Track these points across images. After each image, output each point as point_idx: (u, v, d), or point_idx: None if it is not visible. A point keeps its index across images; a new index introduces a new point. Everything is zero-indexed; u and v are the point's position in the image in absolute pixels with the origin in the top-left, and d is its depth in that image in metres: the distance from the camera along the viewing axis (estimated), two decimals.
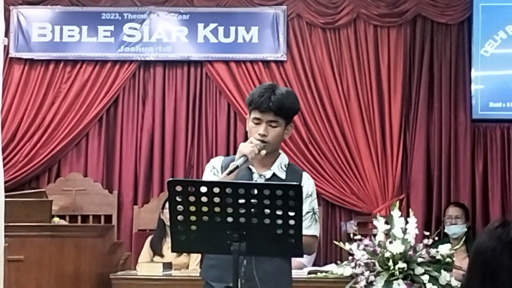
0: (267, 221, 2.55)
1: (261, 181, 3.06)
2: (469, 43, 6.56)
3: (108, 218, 6.50)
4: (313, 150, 6.48)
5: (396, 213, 4.33)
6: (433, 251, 4.21)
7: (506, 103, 6.51)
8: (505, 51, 6.51)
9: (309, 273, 4.79)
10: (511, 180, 6.45)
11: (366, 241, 4.30)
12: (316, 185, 6.32)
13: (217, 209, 2.55)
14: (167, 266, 5.11)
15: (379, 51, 6.57)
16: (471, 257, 2.03)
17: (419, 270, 4.11)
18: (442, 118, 6.52)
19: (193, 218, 2.58)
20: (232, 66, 6.63)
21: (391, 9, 6.60)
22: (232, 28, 6.62)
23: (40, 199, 5.41)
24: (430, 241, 4.26)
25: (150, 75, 6.72)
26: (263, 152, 3.01)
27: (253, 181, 3.03)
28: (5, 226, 3.61)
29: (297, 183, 2.73)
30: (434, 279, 4.11)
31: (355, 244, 4.31)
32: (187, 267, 5.50)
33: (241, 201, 2.53)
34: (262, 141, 3.02)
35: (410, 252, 4.12)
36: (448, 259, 4.21)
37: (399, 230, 4.24)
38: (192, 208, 2.56)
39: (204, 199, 2.54)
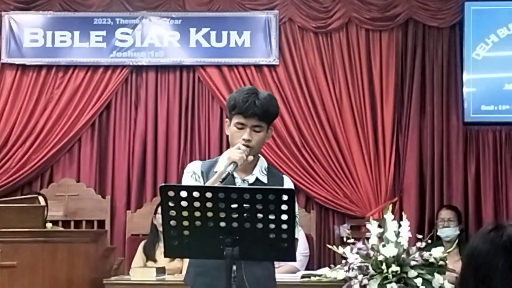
0: (260, 225, 2.55)
1: (245, 186, 3.04)
2: (460, 46, 6.57)
3: (101, 223, 6.49)
4: (305, 153, 6.47)
5: (389, 216, 4.34)
6: (426, 254, 4.22)
7: (498, 106, 6.52)
8: (497, 54, 6.52)
9: (303, 277, 4.79)
10: (503, 182, 6.47)
11: (359, 244, 4.31)
12: (309, 188, 6.43)
13: (209, 214, 2.54)
14: (161, 271, 5.10)
15: (371, 55, 6.57)
16: (464, 260, 2.02)
17: (412, 273, 4.13)
18: (434, 121, 6.53)
19: (185, 223, 2.57)
20: (225, 71, 6.62)
21: (382, 13, 6.61)
22: (224, 33, 6.61)
23: (33, 205, 5.39)
24: (423, 244, 4.27)
25: (143, 80, 6.71)
26: (250, 157, 3.01)
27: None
28: None
29: (291, 188, 2.72)
30: (427, 282, 4.13)
31: (348, 247, 4.32)
32: (181, 272, 5.47)
33: (234, 206, 2.52)
34: (247, 146, 3.01)
35: (403, 255, 4.14)
36: (441, 262, 4.22)
37: (392, 233, 4.25)
38: (185, 213, 2.55)
39: (196, 204, 2.53)
